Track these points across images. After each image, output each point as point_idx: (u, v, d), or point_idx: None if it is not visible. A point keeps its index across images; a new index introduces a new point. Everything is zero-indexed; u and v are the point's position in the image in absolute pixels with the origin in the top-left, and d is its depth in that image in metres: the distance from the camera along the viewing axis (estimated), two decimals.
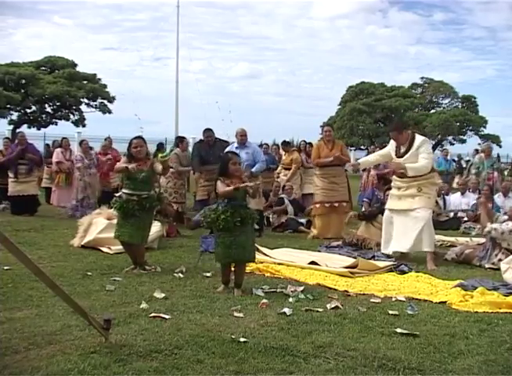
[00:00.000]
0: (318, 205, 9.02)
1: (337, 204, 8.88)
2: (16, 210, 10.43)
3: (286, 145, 12.12)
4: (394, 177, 7.19)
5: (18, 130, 27.62)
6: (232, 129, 9.79)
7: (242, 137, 8.80)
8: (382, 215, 7.91)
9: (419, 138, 6.94)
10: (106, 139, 12.56)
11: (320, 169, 9.11)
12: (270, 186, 10.67)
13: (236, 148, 8.65)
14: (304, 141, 12.32)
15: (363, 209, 8.80)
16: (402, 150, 6.97)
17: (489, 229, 6.74)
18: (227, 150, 8.67)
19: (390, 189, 8.23)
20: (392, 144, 7.20)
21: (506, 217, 7.40)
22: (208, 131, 9.69)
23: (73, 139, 25.31)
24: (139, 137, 6.24)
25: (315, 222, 9.06)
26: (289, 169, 11.20)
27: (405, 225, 6.81)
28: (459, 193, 11.50)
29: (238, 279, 5.21)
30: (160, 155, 6.28)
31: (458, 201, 11.22)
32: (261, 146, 12.21)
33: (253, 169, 8.49)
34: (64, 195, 11.12)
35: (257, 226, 5.38)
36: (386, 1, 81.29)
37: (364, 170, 13.86)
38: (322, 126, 9.51)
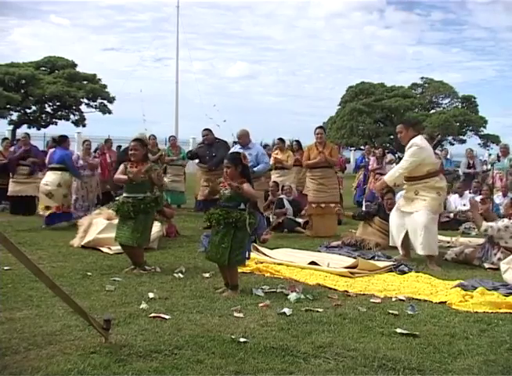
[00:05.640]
0: (310, 205, 9.11)
1: (323, 205, 8.91)
2: (15, 210, 10.49)
3: (283, 142, 11.77)
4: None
5: (18, 130, 27.66)
6: (232, 129, 9.85)
7: (240, 139, 8.80)
8: (380, 217, 7.92)
9: (413, 140, 6.65)
10: (106, 141, 12.55)
11: (310, 171, 9.24)
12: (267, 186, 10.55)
13: (240, 148, 8.65)
14: (297, 141, 12.22)
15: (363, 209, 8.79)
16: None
17: (485, 227, 6.73)
18: (231, 150, 8.69)
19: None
20: None
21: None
22: (205, 131, 9.77)
23: (73, 140, 25.34)
24: (137, 140, 6.21)
25: (311, 221, 9.13)
26: (279, 168, 10.85)
27: (408, 227, 6.73)
28: (457, 195, 11.48)
29: (229, 279, 5.16)
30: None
31: (458, 202, 11.20)
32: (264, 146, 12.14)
33: (255, 168, 8.49)
34: None
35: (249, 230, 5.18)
36: (384, 1, 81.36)
37: (361, 168, 14.07)
38: (316, 128, 9.48)
